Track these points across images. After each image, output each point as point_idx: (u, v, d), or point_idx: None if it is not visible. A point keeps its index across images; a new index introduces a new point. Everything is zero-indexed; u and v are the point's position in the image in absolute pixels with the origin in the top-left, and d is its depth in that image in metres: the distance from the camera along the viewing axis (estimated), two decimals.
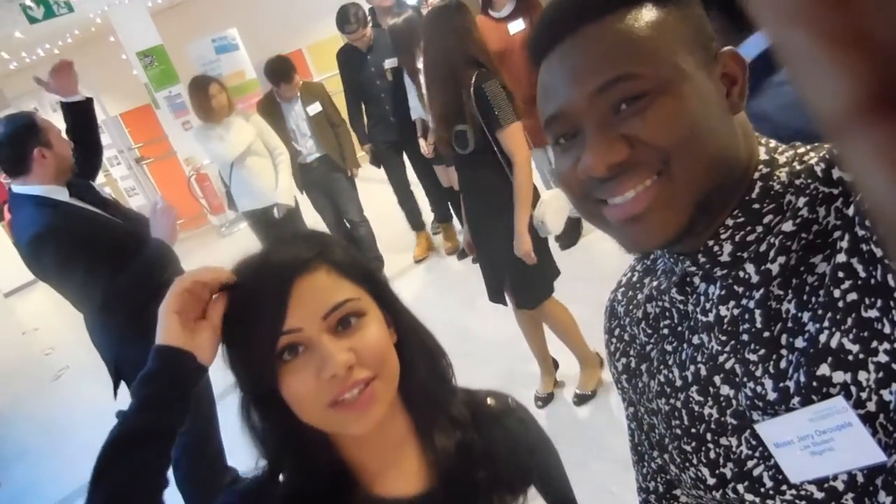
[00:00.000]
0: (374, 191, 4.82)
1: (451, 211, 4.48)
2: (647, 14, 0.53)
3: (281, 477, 0.75)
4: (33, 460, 3.92)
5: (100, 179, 8.26)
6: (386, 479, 0.76)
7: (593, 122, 0.53)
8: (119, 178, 8.18)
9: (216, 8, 8.54)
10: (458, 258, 4.46)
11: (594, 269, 3.48)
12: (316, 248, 0.71)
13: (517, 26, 3.44)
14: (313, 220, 4.51)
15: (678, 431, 0.63)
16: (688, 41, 0.53)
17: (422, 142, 4.01)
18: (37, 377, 5.20)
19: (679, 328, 0.64)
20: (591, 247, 3.86)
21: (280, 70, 4.03)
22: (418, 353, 0.76)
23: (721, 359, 0.58)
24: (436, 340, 0.81)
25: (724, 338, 0.57)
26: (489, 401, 0.86)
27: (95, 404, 4.49)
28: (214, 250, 7.43)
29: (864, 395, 0.48)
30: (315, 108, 4.16)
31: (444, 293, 4.11)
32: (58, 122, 8.38)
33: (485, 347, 3.27)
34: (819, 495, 0.53)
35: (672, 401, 0.64)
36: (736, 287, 0.56)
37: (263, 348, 0.67)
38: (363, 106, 4.34)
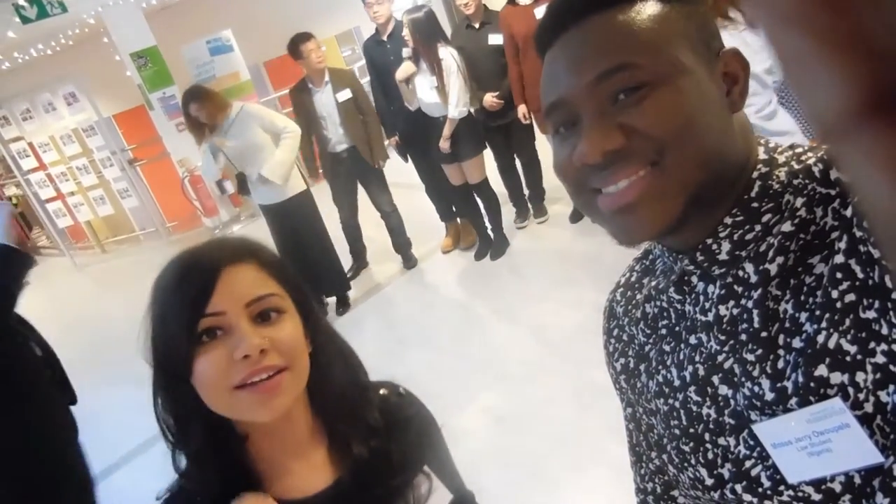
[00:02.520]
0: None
1: (457, 209, 4.47)
2: (651, 8, 0.54)
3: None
4: None
5: (92, 181, 8.24)
6: (290, 480, 0.79)
7: (591, 110, 0.54)
8: (112, 180, 8.12)
9: (211, 9, 8.52)
10: (475, 258, 4.37)
11: (590, 274, 3.49)
12: (249, 248, 0.77)
13: (543, 11, 3.55)
14: (328, 209, 4.41)
15: (676, 432, 0.63)
16: (690, 37, 0.54)
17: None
18: None
19: (676, 328, 0.64)
20: (587, 251, 3.87)
21: (294, 39, 4.07)
22: (336, 361, 0.82)
23: (719, 358, 0.58)
24: (353, 352, 0.87)
25: (722, 337, 0.57)
26: (382, 391, 0.90)
27: (85, 408, 4.45)
28: None
29: (861, 396, 0.48)
30: (345, 94, 4.16)
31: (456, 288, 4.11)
32: (52, 122, 8.27)
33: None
34: (816, 496, 0.53)
35: (670, 401, 0.64)
36: (735, 287, 0.56)
37: (185, 327, 0.70)
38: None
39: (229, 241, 0.78)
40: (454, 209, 4.53)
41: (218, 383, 0.70)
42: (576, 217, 4.29)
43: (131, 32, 7.07)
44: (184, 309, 0.71)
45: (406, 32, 3.75)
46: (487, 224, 4.33)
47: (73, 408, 2.16)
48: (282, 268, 0.79)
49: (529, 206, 4.60)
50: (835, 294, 0.49)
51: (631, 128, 0.52)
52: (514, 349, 3.07)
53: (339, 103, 4.15)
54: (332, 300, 4.24)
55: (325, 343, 0.81)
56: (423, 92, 3.90)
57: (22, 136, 8.33)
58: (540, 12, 3.68)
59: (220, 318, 0.71)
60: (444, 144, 3.95)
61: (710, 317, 0.58)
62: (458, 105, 3.84)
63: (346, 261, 4.47)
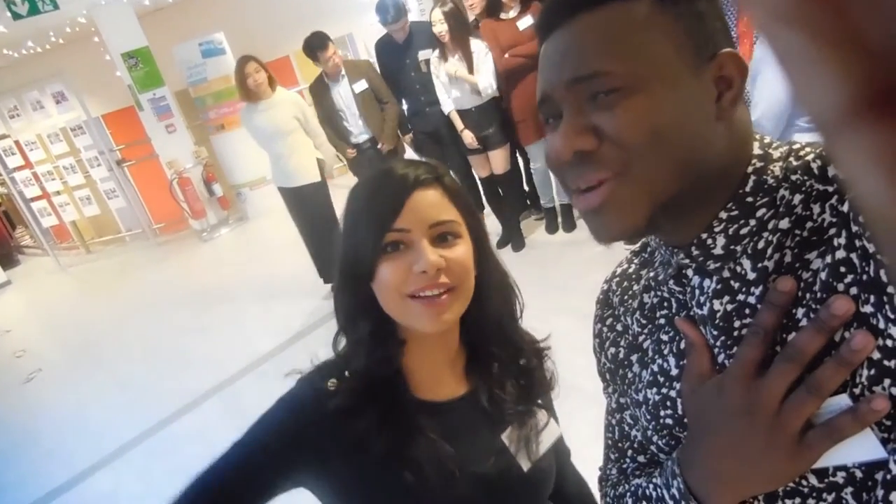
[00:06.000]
0: None
1: (484, 200, 4.51)
2: (639, 10, 0.53)
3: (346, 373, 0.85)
4: (0, 464, 3.82)
5: (79, 180, 8.15)
6: (430, 385, 0.88)
7: (570, 107, 0.55)
8: (99, 180, 8.06)
9: (203, 12, 8.51)
10: (497, 247, 4.38)
11: (578, 281, 3.50)
12: (435, 172, 0.84)
13: (526, 23, 3.85)
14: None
15: (669, 421, 0.63)
16: (676, 40, 0.53)
17: (466, 133, 4.03)
18: (7, 379, 5.08)
19: (677, 318, 0.63)
20: (576, 258, 3.88)
21: (311, 43, 4.13)
22: (495, 288, 0.88)
23: (713, 352, 0.58)
24: (513, 284, 0.93)
25: (715, 332, 0.57)
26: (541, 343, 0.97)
27: (66, 409, 4.39)
28: (195, 255, 7.34)
29: (857, 391, 0.48)
30: (361, 85, 4.22)
31: None
32: (39, 120, 8.18)
33: None
34: (820, 485, 0.53)
35: (664, 390, 0.63)
36: (732, 282, 0.56)
37: (373, 237, 0.79)
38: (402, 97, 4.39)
39: (419, 165, 0.84)
40: (484, 201, 4.56)
41: (395, 289, 0.78)
42: (552, 228, 4.39)
43: (123, 32, 7.05)
44: (374, 221, 0.79)
45: (441, 28, 3.78)
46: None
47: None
48: (462, 195, 0.86)
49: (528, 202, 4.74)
50: (841, 287, 0.49)
51: (603, 132, 0.53)
52: None
53: (356, 94, 4.21)
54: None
55: (489, 270, 0.88)
56: (456, 83, 3.93)
57: (8, 134, 8.26)
58: (522, 24, 3.82)
59: (404, 235, 0.79)
60: (471, 138, 3.99)
61: (705, 311, 0.58)
62: (488, 79, 3.86)
63: None
